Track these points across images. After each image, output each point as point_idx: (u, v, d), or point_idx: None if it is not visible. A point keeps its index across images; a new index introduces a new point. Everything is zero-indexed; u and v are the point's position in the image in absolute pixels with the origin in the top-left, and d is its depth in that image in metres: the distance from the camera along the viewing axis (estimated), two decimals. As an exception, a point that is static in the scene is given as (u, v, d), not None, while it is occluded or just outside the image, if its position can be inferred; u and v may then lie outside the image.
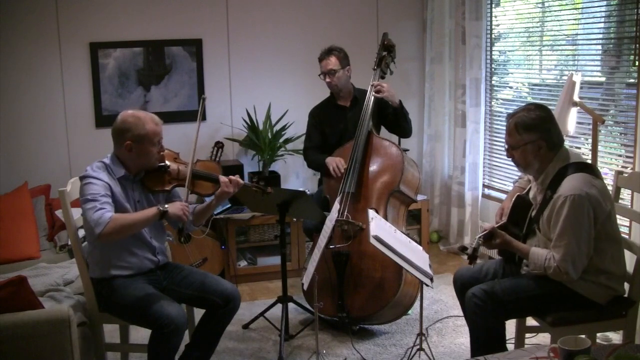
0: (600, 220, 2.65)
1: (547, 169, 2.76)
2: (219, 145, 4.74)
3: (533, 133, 2.71)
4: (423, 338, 3.14)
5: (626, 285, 2.84)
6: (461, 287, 3.05)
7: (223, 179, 2.97)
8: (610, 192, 2.90)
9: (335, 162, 3.94)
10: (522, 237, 2.90)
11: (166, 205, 2.84)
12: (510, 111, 4.78)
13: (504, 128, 4.80)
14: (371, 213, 3.15)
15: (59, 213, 4.19)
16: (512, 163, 4.71)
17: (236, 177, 2.99)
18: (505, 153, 4.77)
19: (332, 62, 4.06)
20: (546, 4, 4.44)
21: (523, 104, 4.60)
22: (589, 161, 3.34)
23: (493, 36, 4.94)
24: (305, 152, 4.31)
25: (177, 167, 2.99)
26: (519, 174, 4.68)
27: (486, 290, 2.76)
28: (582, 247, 2.62)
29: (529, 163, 2.77)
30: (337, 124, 4.20)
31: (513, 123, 2.75)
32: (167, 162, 2.99)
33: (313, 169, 4.40)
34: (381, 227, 3.02)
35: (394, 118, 4.08)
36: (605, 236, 2.69)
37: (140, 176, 2.97)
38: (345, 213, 3.75)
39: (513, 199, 3.01)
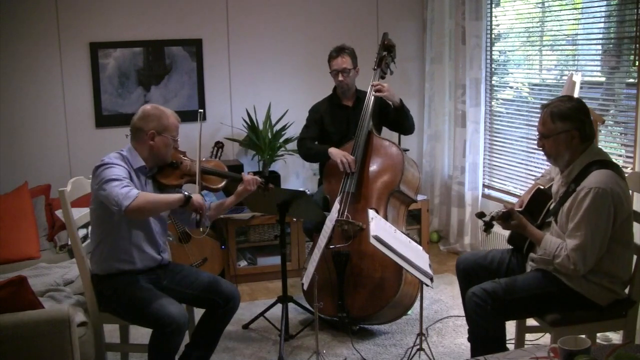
0: (619, 220, 2.65)
1: (575, 163, 2.75)
2: (219, 145, 4.74)
3: (568, 122, 2.71)
4: (423, 338, 3.14)
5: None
6: (464, 271, 3.06)
7: (247, 177, 3.13)
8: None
9: (344, 157, 3.86)
10: (535, 227, 2.89)
11: (190, 193, 2.91)
12: (511, 110, 4.88)
13: (504, 128, 4.89)
14: (371, 213, 3.15)
15: (59, 213, 4.19)
16: (512, 163, 4.81)
17: (255, 177, 3.15)
18: (503, 152, 4.87)
19: (347, 60, 4.06)
20: (546, 4, 4.44)
21: (524, 103, 4.69)
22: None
23: (493, 36, 4.94)
24: (300, 142, 4.20)
25: (188, 164, 3.09)
26: (520, 174, 4.72)
27: (487, 290, 2.76)
28: (596, 241, 2.62)
29: (560, 153, 2.76)
30: (340, 123, 4.19)
31: (548, 112, 2.74)
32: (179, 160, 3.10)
33: (308, 159, 4.30)
34: (381, 227, 3.02)
35: (395, 117, 4.08)
36: (620, 239, 2.69)
37: (153, 172, 3.02)
38: (345, 213, 3.75)
39: (533, 191, 3.01)
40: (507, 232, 3.05)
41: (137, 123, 2.96)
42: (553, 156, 2.80)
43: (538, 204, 2.95)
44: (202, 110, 3.28)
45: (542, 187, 3.02)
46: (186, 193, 2.88)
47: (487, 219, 2.79)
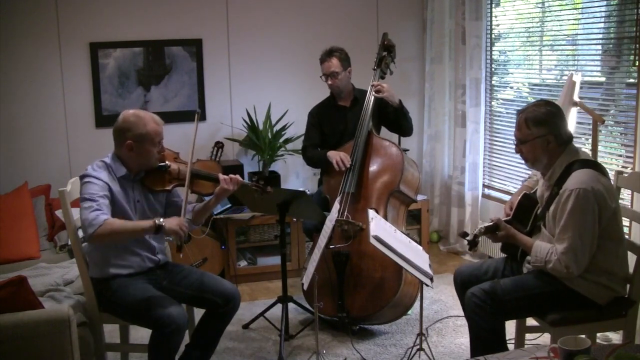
0: (605, 217, 2.65)
1: (554, 165, 2.77)
2: (219, 145, 4.74)
3: (542, 127, 2.73)
4: (423, 338, 3.14)
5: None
6: (461, 284, 3.06)
7: (222, 177, 2.98)
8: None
9: (339, 156, 3.91)
10: (526, 234, 2.90)
11: (162, 220, 2.76)
12: (511, 110, 4.88)
13: (504, 128, 4.89)
14: (371, 213, 3.15)
15: (59, 213, 4.19)
16: (512, 163, 4.81)
17: (236, 176, 3.00)
18: (503, 152, 4.87)
19: (334, 64, 4.06)
20: (546, 4, 4.44)
21: (524, 103, 4.68)
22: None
23: (493, 36, 4.94)
24: (303, 151, 4.31)
25: (177, 167, 2.99)
26: (520, 174, 4.72)
27: (486, 290, 2.76)
28: (585, 241, 2.62)
29: (537, 158, 2.78)
30: (337, 124, 4.20)
31: (523, 118, 2.77)
32: (167, 162, 2.99)
33: (312, 166, 4.38)
34: (381, 227, 3.02)
35: (394, 117, 4.08)
36: (610, 235, 2.69)
37: (141, 176, 2.97)
38: (345, 213, 3.75)
39: (519, 197, 3.01)
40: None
41: (116, 132, 2.89)
42: (531, 161, 2.83)
43: (526, 209, 2.96)
44: (200, 111, 3.16)
45: (528, 193, 3.02)
46: (158, 221, 2.73)
47: (469, 237, 2.83)
